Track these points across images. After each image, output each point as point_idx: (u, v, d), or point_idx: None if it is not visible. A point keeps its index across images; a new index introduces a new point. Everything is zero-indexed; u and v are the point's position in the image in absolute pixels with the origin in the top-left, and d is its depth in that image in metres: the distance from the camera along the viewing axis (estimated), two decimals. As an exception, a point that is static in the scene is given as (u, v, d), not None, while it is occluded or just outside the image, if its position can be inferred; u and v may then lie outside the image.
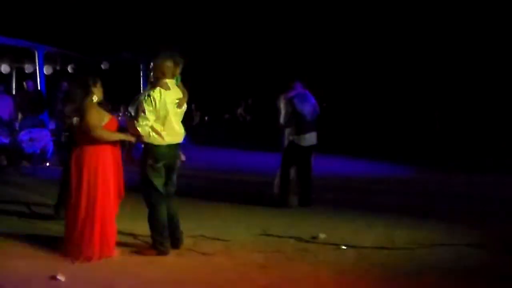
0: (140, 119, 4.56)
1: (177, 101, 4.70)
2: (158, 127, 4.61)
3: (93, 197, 4.51)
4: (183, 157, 5.37)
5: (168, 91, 4.64)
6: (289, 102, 6.75)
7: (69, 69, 14.75)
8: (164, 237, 4.71)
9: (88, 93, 4.60)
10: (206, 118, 19.18)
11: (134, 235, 5.23)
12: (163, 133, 4.64)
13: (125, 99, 5.03)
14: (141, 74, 15.12)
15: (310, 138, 6.81)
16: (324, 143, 7.29)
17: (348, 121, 17.12)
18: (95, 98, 4.62)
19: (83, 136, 4.54)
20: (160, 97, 4.58)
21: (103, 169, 4.54)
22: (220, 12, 18.13)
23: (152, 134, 4.62)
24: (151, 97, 4.57)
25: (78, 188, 4.51)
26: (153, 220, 4.72)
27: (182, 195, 5.15)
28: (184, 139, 4.93)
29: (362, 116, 17.37)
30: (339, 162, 11.58)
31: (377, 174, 10.15)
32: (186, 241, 5.03)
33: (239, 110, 18.58)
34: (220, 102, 19.52)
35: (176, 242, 4.87)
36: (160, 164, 4.65)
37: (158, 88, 4.62)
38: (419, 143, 14.63)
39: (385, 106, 17.59)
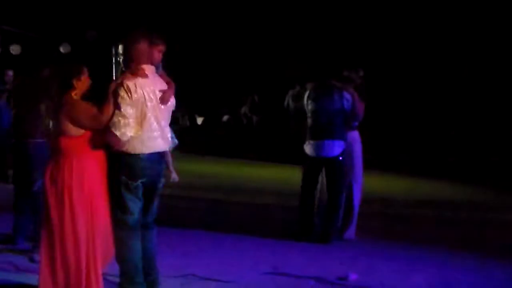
0: (116, 119, 4.42)
1: (159, 93, 4.58)
2: (135, 129, 4.48)
3: (83, 228, 4.43)
4: (174, 175, 5.26)
5: (146, 80, 4.53)
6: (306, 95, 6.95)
7: (13, 51, 14.90)
8: (137, 283, 4.65)
9: (67, 87, 4.54)
10: (198, 119, 19.33)
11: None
12: (143, 137, 4.50)
13: (93, 93, 4.95)
14: (113, 60, 15.26)
15: (317, 148, 6.75)
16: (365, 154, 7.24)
17: (394, 125, 17.20)
18: (76, 95, 4.56)
19: (61, 143, 4.48)
20: (136, 87, 4.47)
21: (91, 190, 4.45)
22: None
23: (131, 139, 4.46)
24: (124, 86, 4.45)
25: (61, 219, 4.41)
26: (122, 261, 4.61)
27: (167, 221, 5.17)
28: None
29: (412, 120, 17.47)
30: (377, 179, 11.62)
31: (429, 195, 10.19)
32: (172, 282, 5.08)
33: (243, 109, 18.70)
34: (217, 98, 19.65)
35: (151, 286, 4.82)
36: (138, 183, 4.54)
37: (130, 75, 4.52)
38: (489, 155, 14.63)
39: (443, 107, 17.70)
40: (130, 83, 4.47)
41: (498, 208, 9.12)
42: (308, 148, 6.82)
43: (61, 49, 15.22)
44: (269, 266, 5.79)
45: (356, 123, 6.97)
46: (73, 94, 4.56)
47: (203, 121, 19.31)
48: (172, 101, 4.73)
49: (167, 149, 4.80)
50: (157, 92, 4.58)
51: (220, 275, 5.45)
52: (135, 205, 4.57)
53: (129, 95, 4.44)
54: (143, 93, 4.49)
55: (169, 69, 4.92)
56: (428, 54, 17.80)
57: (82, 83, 4.60)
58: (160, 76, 4.77)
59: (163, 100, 4.60)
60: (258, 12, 18.43)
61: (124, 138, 4.43)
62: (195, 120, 19.35)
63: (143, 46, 4.58)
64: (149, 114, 4.51)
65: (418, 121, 17.28)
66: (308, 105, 6.86)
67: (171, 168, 5.21)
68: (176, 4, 18.27)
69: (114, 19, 16.24)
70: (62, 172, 4.44)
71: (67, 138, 4.47)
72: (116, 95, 4.46)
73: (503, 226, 7.96)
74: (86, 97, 4.67)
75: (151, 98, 4.52)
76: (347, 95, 6.77)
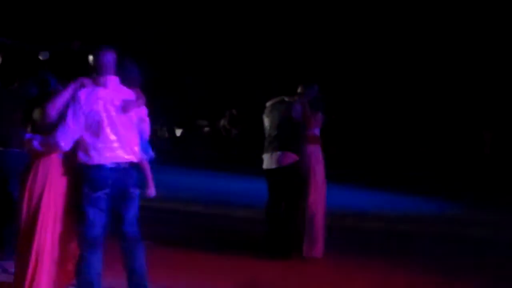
0: (60, 129, 4.42)
1: (120, 104, 4.55)
2: (90, 139, 4.47)
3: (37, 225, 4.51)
4: (150, 190, 5.16)
5: (104, 90, 4.52)
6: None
7: None
8: None
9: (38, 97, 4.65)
10: (177, 131, 19.32)
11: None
12: (99, 147, 4.47)
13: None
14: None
15: (267, 160, 6.83)
16: (335, 169, 7.30)
17: (368, 140, 17.36)
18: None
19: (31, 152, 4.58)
20: (87, 96, 4.47)
21: (49, 188, 4.52)
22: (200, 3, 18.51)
23: (85, 149, 4.47)
24: (77, 97, 4.46)
25: (27, 218, 4.53)
26: (78, 274, 4.52)
27: (144, 234, 5.12)
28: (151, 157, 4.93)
29: (385, 135, 17.64)
30: (353, 194, 11.71)
31: (404, 210, 10.27)
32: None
33: (222, 122, 18.74)
34: (196, 111, 19.68)
35: None
36: (99, 193, 4.49)
37: (87, 84, 4.52)
38: (462, 171, 14.81)
39: (417, 123, 17.91)
40: (82, 93, 4.48)
41: (470, 223, 9.24)
42: (263, 162, 6.90)
43: (40, 57, 15.08)
44: (246, 280, 5.81)
45: (317, 133, 6.95)
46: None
47: (182, 133, 19.30)
48: (138, 113, 4.70)
49: (135, 160, 4.68)
50: (118, 103, 4.56)
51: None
52: (96, 217, 4.49)
53: (79, 105, 4.44)
54: (98, 103, 4.49)
55: (150, 82, 4.95)
56: (400, 72, 18.04)
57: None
58: (135, 91, 4.77)
59: (123, 109, 4.57)
60: (238, 27, 18.55)
61: (65, 148, 4.42)
62: (174, 132, 19.34)
63: (109, 58, 4.61)
64: (104, 124, 4.48)
65: (392, 137, 17.48)
66: (264, 122, 7.00)
67: (150, 182, 5.15)
68: (160, 18, 18.32)
69: (99, 30, 16.22)
70: (26, 176, 4.54)
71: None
72: (70, 101, 4.47)
73: (474, 241, 8.05)
74: None
75: (107, 108, 4.51)
76: (296, 106, 6.83)
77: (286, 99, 6.93)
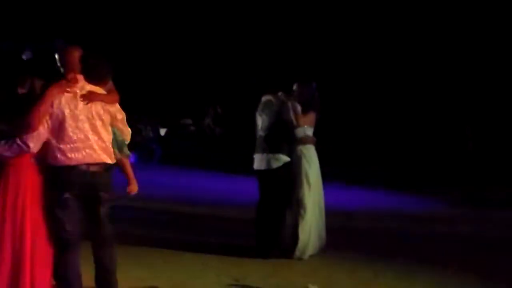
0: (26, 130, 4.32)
1: (83, 100, 4.44)
2: (54, 140, 4.39)
3: (19, 235, 4.43)
4: (132, 187, 4.98)
5: (67, 87, 4.44)
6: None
7: None
8: None
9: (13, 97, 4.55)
10: (161, 130, 19.27)
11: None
12: (64, 149, 4.37)
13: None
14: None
15: (257, 161, 6.77)
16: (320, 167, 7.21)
17: (354, 139, 17.41)
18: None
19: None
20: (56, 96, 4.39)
21: (33, 192, 4.47)
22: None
23: (51, 151, 4.40)
24: (54, 103, 4.39)
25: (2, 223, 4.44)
26: (56, 277, 4.50)
27: (129, 234, 5.10)
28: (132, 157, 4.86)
29: (371, 133, 17.71)
30: (338, 192, 11.75)
31: (389, 208, 10.32)
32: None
33: (207, 121, 18.75)
34: (181, 110, 19.65)
35: None
36: (67, 195, 4.41)
37: (64, 87, 4.43)
38: (446, 167, 14.91)
39: (402, 121, 18.01)
40: (52, 92, 4.39)
41: (456, 220, 9.30)
42: (254, 162, 6.85)
43: (23, 56, 15.00)
44: (231, 278, 5.84)
45: (310, 132, 6.87)
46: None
47: (166, 132, 19.26)
48: (109, 111, 4.58)
49: (109, 161, 4.55)
50: (82, 100, 4.45)
51: (181, 287, 5.49)
52: (65, 218, 4.43)
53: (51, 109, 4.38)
54: (61, 103, 4.40)
55: (133, 80, 4.91)
56: (384, 70, 18.14)
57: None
58: (108, 89, 4.71)
59: (84, 97, 4.45)
60: (223, 23, 18.55)
61: (30, 146, 4.32)
62: (158, 131, 19.29)
63: (74, 55, 4.55)
64: (67, 125, 4.39)
65: (381, 134, 17.56)
66: (256, 119, 6.89)
67: (131, 179, 5.02)
68: (143, 15, 18.29)
69: (81, 28, 16.17)
70: (6, 176, 4.47)
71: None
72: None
73: (461, 238, 8.10)
74: None
75: (71, 108, 4.42)
76: (285, 109, 6.73)
77: (279, 98, 6.80)
